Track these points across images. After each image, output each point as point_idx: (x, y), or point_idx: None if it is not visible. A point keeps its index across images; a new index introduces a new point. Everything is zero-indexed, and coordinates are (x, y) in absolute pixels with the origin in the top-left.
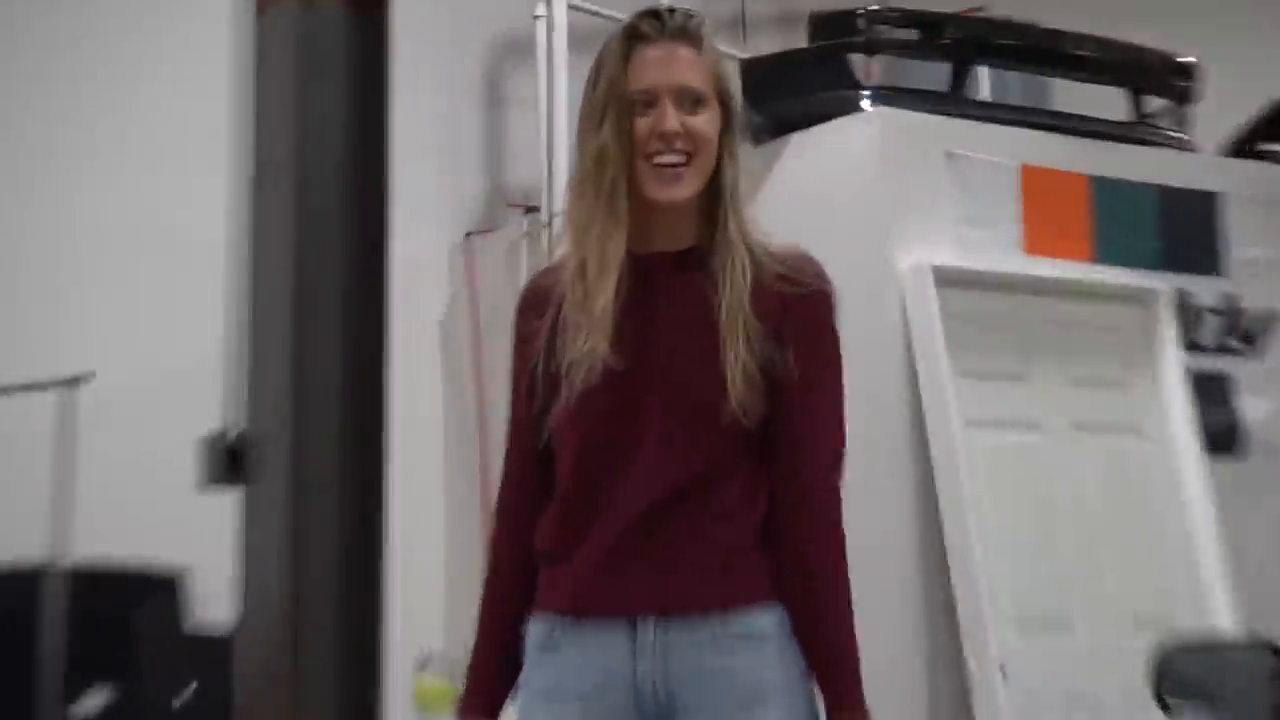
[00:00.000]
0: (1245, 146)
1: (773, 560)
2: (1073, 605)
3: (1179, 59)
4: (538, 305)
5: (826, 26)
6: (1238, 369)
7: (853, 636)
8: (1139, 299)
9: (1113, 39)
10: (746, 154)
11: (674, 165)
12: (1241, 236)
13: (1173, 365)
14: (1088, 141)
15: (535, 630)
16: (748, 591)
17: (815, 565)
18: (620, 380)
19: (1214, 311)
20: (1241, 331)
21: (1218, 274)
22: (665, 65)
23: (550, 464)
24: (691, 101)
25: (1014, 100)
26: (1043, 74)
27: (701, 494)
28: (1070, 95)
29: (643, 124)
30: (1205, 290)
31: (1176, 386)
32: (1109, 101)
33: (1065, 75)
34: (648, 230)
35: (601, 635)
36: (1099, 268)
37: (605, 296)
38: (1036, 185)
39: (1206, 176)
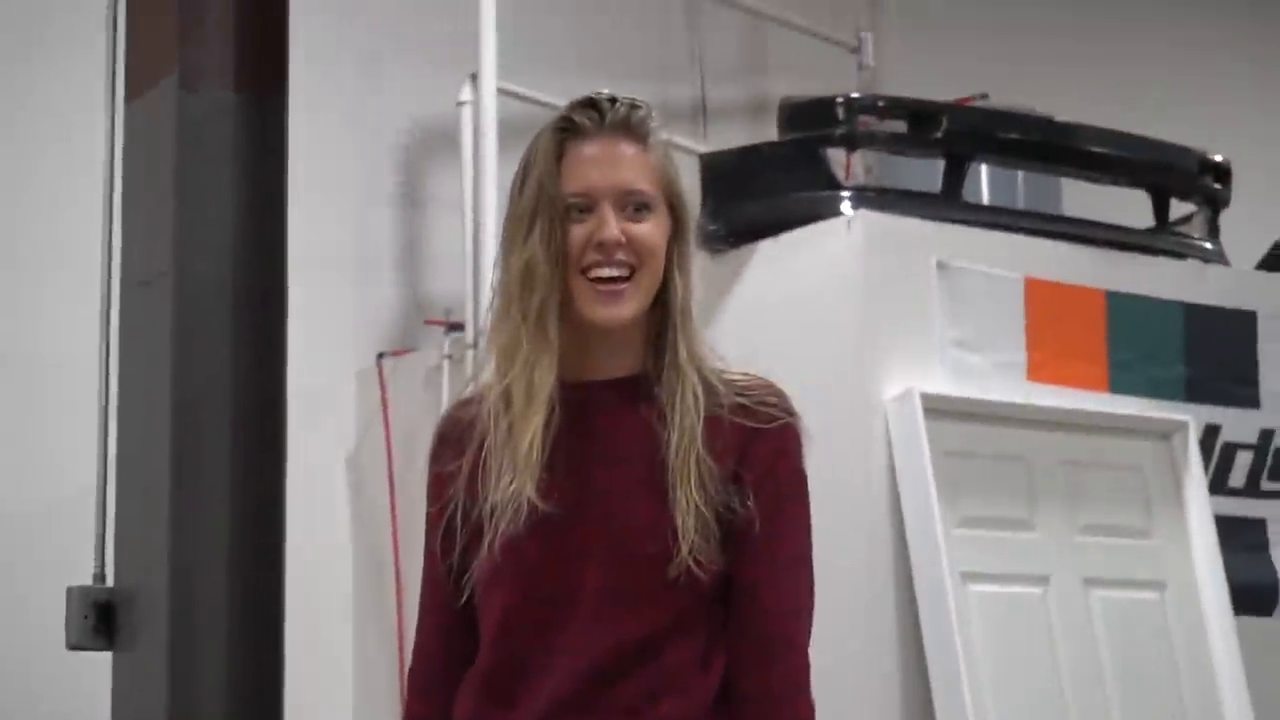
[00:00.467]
0: None
1: None
2: None
3: (1209, 157)
4: (457, 441)
5: (801, 116)
6: (1274, 514)
7: None
8: (1161, 434)
9: (1134, 134)
10: (704, 265)
11: (615, 280)
12: (1277, 362)
13: (1199, 510)
14: (1104, 251)
15: None
16: None
17: None
18: (551, 528)
19: (1248, 448)
20: (1278, 471)
21: (1251, 405)
22: (605, 164)
23: (473, 623)
24: (635, 206)
25: (1018, 204)
26: (1052, 173)
27: (647, 660)
28: (1084, 198)
29: (578, 232)
30: (1237, 424)
31: (1203, 535)
32: (1129, 206)
33: (1078, 175)
34: (584, 355)
35: None
36: (1116, 398)
37: (533, 431)
38: (1044, 301)
39: (1240, 293)
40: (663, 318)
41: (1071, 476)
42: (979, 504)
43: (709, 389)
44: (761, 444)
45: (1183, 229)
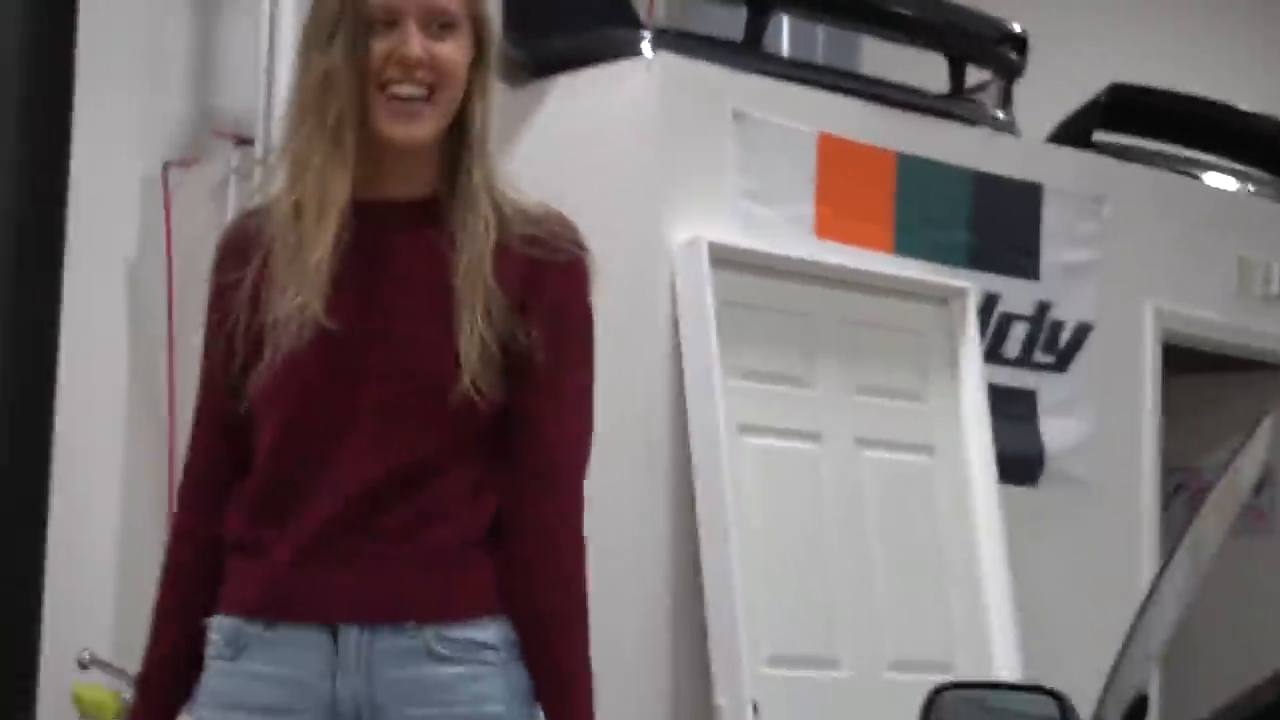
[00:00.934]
0: (1076, 134)
1: (499, 566)
2: (839, 639)
3: (1008, 26)
4: (241, 252)
5: None
6: (1044, 386)
7: (588, 660)
8: (942, 299)
9: None
10: (502, 94)
11: (412, 99)
12: (1061, 236)
13: (974, 378)
14: (899, 113)
15: (217, 633)
16: (469, 601)
17: (549, 574)
18: (334, 345)
19: (1024, 319)
20: (1052, 344)
21: (1032, 277)
22: None
23: (246, 438)
24: (439, 25)
25: (818, 58)
26: (853, 30)
27: (421, 485)
28: (883, 58)
29: (380, 47)
30: (1016, 294)
31: (976, 402)
32: (926, 69)
33: (878, 34)
34: (378, 173)
35: (296, 644)
36: (899, 260)
37: (323, 247)
38: (835, 158)
39: (1029, 165)
40: (458, 141)
41: (851, 335)
42: (759, 357)
43: (501, 217)
44: (549, 276)
45: (977, 96)
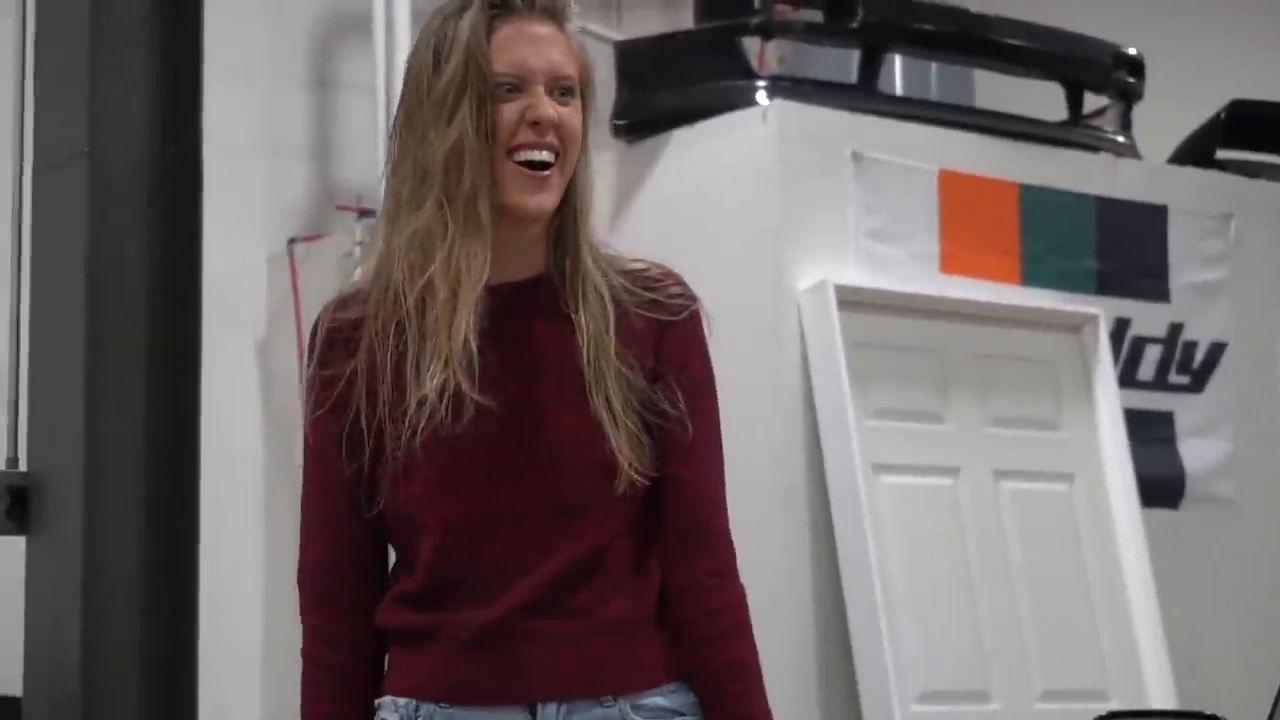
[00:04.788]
0: (1198, 153)
1: (669, 631)
2: (990, 674)
3: (1123, 50)
4: (345, 342)
5: (716, 5)
6: (1181, 407)
7: (768, 708)
8: (1072, 326)
9: (1048, 26)
10: (620, 153)
11: (544, 166)
12: (1189, 257)
13: (1108, 403)
14: (1017, 144)
15: (391, 712)
16: (654, 669)
17: (714, 631)
18: (484, 437)
19: (1157, 342)
20: (1186, 365)
21: (1162, 299)
22: (537, 44)
23: (379, 537)
24: (561, 90)
25: (932, 95)
26: (967, 65)
27: (596, 567)
28: (998, 91)
29: (509, 110)
30: (1147, 317)
31: (1113, 428)
32: (1043, 98)
33: (993, 67)
34: (497, 251)
35: None
36: (1027, 290)
37: (464, 322)
38: (957, 193)
39: (1152, 187)
40: (564, 213)
41: (983, 368)
42: (891, 396)
43: (611, 286)
44: (672, 336)
45: (1096, 122)
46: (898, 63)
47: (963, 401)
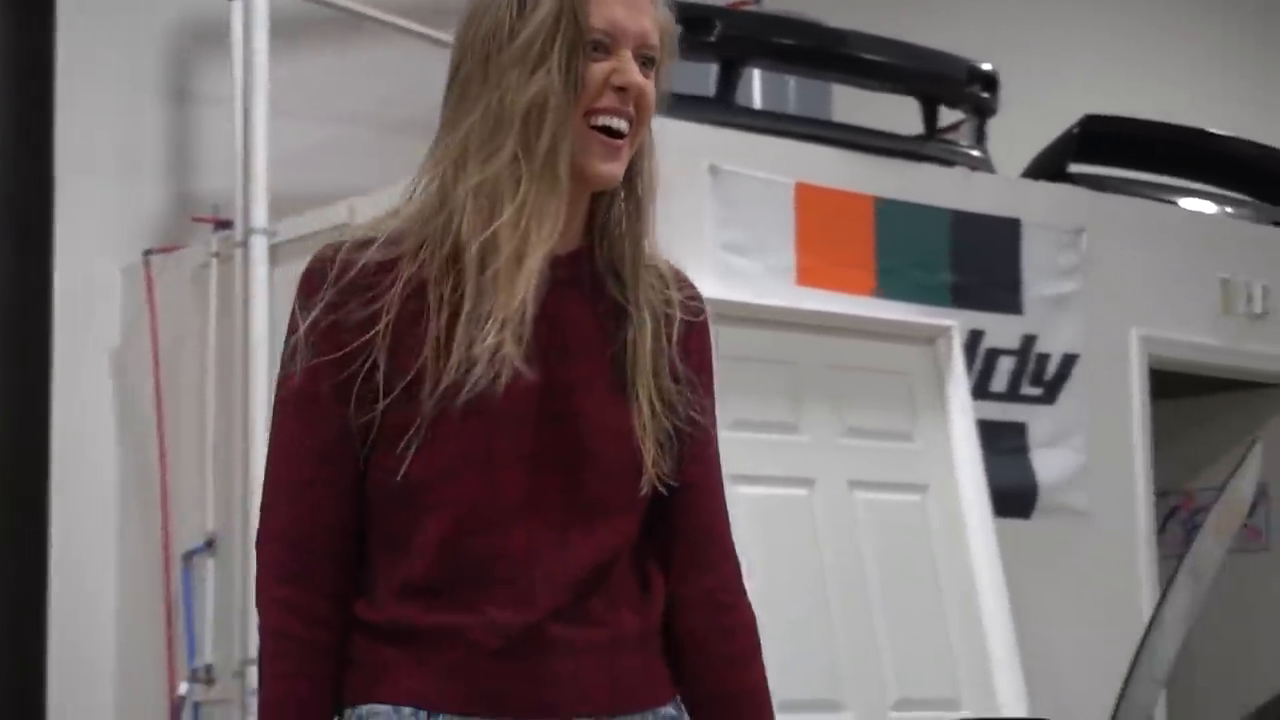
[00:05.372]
0: (1052, 167)
1: (667, 644)
2: (842, 682)
3: (978, 66)
4: (368, 288)
5: None
6: (1034, 418)
7: None
8: (926, 338)
9: (904, 42)
10: None
11: (621, 134)
12: (1042, 269)
13: (962, 414)
14: (874, 158)
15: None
16: (664, 685)
17: (731, 650)
18: (525, 408)
19: (1010, 354)
20: (1039, 376)
21: (1015, 311)
22: (633, 7)
23: (361, 498)
24: (644, 59)
25: (790, 109)
26: (824, 80)
27: (612, 570)
28: (856, 105)
29: (598, 70)
30: (1000, 329)
31: (966, 439)
32: (900, 113)
33: (849, 82)
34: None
35: None
36: (882, 303)
37: (525, 286)
38: (814, 206)
39: (1007, 201)
40: (626, 190)
41: (837, 380)
42: (747, 407)
43: (663, 284)
44: (696, 338)
45: (951, 136)
46: (756, 77)
47: (817, 413)
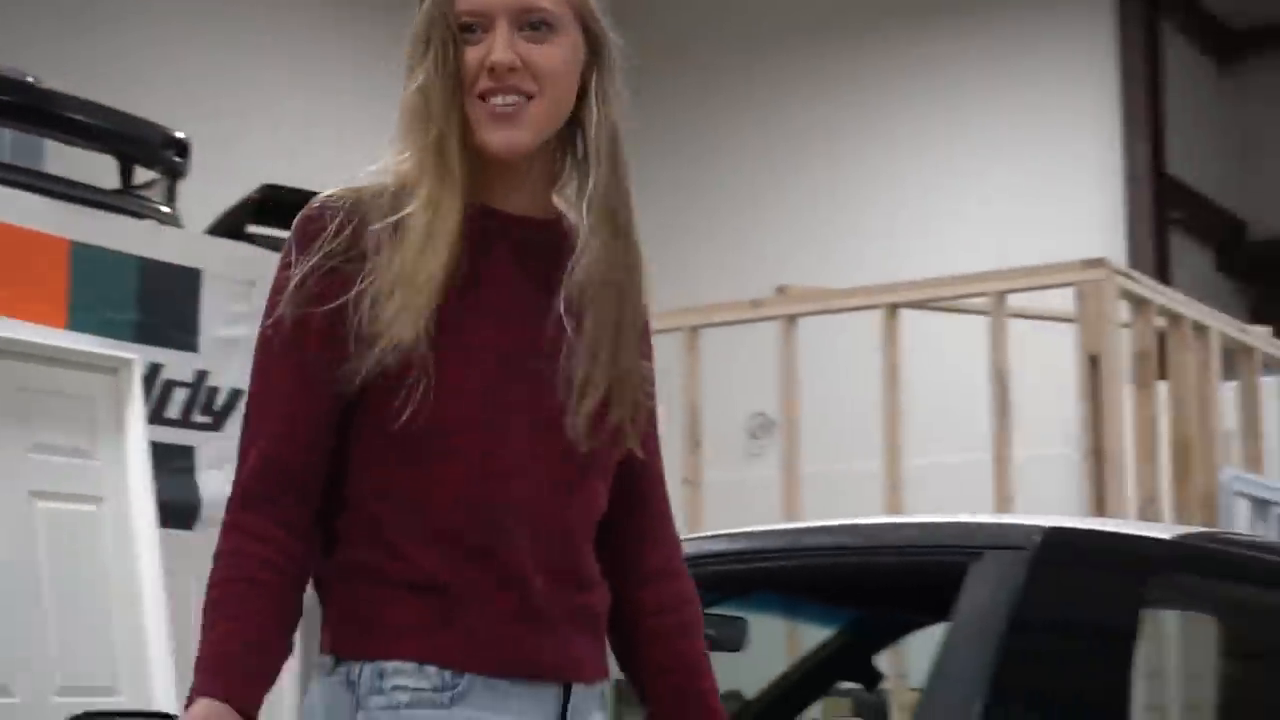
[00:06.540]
0: (232, 227)
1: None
2: (13, 670)
3: (172, 133)
4: (353, 235)
5: None
6: (202, 443)
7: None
8: (111, 369)
9: (108, 106)
10: None
11: (509, 106)
12: (217, 315)
13: (137, 436)
14: (72, 206)
15: (422, 679)
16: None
17: (695, 617)
18: (530, 367)
19: (185, 385)
20: (209, 407)
21: (192, 349)
22: None
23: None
24: (533, 25)
25: (6, 158)
26: (31, 133)
27: (589, 534)
28: (70, 160)
29: (473, 55)
30: (177, 364)
31: (139, 457)
32: (105, 169)
33: (55, 136)
34: (512, 186)
35: (530, 696)
36: (73, 335)
37: (429, 275)
38: (8, 245)
39: (190, 253)
40: (574, 157)
41: (26, 402)
42: None
43: (628, 244)
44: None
45: (145, 193)
46: None
47: (5, 429)
